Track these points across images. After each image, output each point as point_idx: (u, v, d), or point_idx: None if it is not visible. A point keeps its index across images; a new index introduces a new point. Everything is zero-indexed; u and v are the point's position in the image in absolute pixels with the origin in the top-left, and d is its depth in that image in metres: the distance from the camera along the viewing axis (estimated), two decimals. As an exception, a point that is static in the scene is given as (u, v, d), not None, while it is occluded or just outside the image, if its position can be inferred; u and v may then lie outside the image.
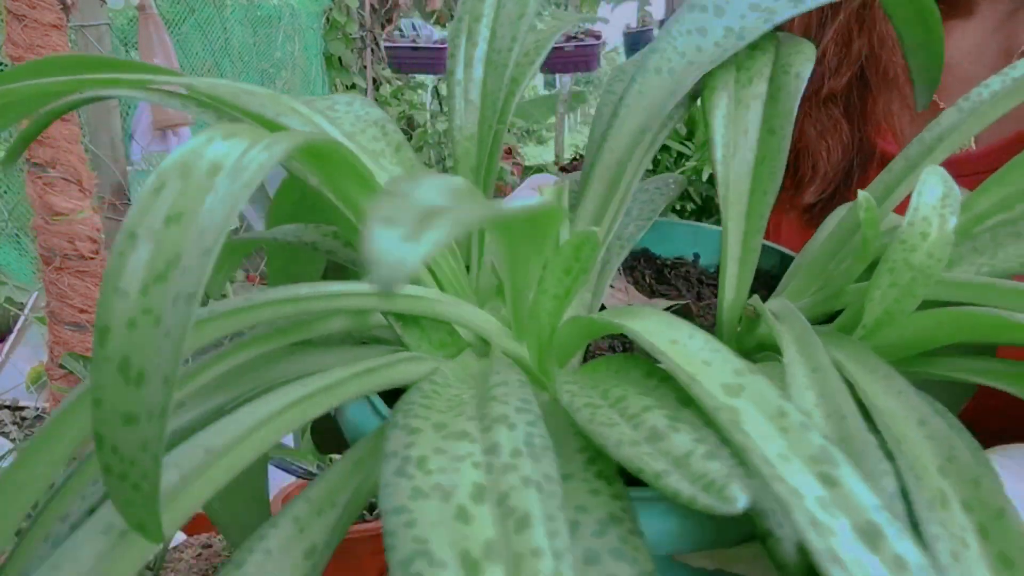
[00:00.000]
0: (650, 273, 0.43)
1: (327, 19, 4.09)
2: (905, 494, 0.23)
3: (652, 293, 0.42)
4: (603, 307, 0.39)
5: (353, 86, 4.21)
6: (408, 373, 0.28)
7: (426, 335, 0.31)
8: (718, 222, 0.37)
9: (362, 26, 4.31)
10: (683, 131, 3.71)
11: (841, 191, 0.68)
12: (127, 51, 2.60)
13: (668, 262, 0.47)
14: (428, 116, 4.86)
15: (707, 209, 2.61)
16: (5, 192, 2.30)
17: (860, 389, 0.27)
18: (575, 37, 4.20)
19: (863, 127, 0.67)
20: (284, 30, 3.69)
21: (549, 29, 0.39)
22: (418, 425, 0.23)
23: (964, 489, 0.24)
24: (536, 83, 8.59)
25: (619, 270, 0.44)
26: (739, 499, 0.20)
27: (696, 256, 0.48)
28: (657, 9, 5.27)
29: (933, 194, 0.31)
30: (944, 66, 0.62)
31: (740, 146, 0.35)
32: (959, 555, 0.22)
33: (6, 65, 1.59)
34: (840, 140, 0.66)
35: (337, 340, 0.33)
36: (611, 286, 0.41)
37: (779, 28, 0.68)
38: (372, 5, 4.42)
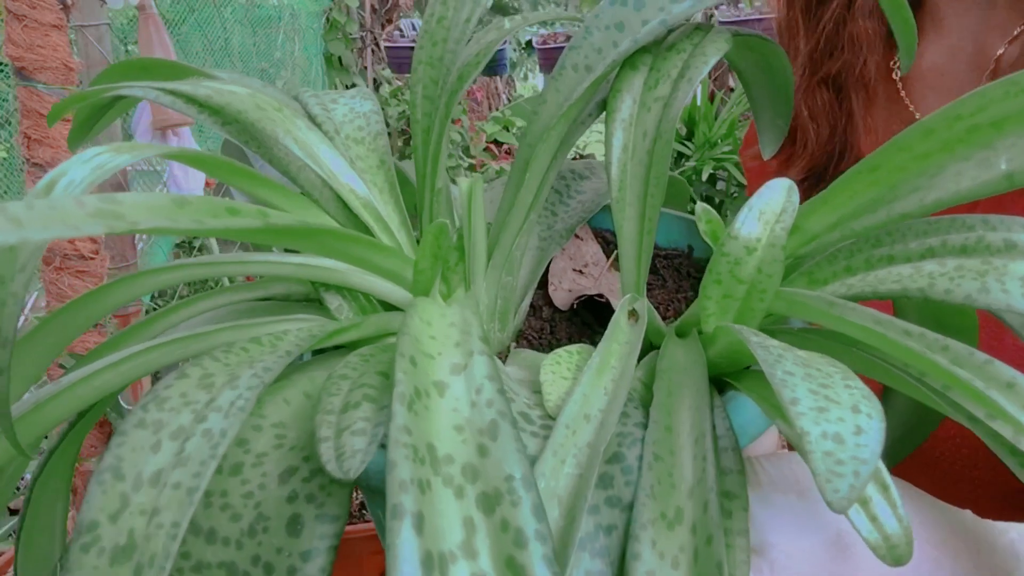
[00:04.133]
0: None
1: (327, 19, 4.09)
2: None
3: None
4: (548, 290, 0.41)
5: (353, 86, 4.21)
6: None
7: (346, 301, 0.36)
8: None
9: (362, 26, 4.31)
10: (683, 131, 3.71)
11: (824, 176, 0.67)
12: (127, 51, 2.60)
13: (663, 253, 0.48)
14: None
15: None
16: (5, 192, 2.30)
17: (660, 397, 0.27)
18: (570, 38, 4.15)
19: (847, 119, 0.66)
20: (284, 30, 3.69)
21: (498, 35, 0.41)
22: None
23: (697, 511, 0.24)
24: (537, 83, 8.60)
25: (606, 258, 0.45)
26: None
27: (690, 248, 0.49)
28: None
29: (769, 208, 0.29)
30: (917, 75, 0.62)
31: (638, 149, 0.34)
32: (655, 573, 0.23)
33: (6, 65, 1.58)
34: (828, 123, 0.66)
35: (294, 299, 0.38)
36: (579, 271, 0.41)
37: None
38: (372, 5, 4.42)
